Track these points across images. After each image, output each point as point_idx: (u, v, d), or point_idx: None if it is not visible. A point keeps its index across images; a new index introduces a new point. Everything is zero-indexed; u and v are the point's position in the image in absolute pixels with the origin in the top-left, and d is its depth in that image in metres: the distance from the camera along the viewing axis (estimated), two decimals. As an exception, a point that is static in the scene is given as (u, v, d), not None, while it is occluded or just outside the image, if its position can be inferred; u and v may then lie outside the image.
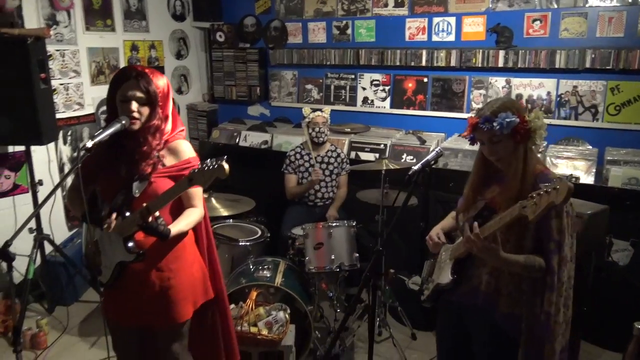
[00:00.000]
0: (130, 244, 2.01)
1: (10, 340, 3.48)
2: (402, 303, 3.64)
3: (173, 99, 2.21)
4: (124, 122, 1.97)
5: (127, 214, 2.00)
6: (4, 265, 3.90)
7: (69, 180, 2.21)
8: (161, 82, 2.07)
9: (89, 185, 2.20)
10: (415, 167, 2.07)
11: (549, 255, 1.85)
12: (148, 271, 2.12)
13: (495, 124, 1.88)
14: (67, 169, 4.27)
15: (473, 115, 1.99)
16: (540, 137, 1.94)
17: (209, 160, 1.83)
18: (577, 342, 3.16)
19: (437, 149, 2.13)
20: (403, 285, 3.83)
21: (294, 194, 4.12)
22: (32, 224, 3.73)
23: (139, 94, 2.00)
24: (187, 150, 2.16)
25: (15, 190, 3.95)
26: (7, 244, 2.01)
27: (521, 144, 1.91)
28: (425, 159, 2.10)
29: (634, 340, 1.51)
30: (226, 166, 1.77)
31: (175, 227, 2.04)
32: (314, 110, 4.03)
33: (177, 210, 2.13)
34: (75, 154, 4.33)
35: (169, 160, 2.11)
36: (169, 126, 2.14)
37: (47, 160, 4.06)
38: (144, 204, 1.91)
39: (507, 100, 1.97)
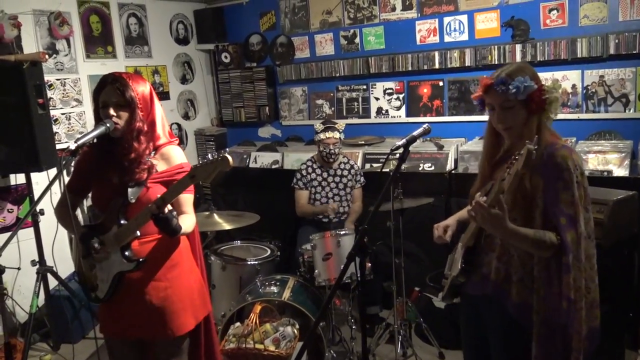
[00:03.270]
0: (128, 252, 2.09)
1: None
2: (429, 322, 3.57)
3: (168, 122, 2.31)
4: (108, 125, 2.06)
5: (123, 221, 2.08)
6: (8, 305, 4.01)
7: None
8: (141, 87, 2.17)
9: (81, 196, 2.34)
10: (400, 142, 2.08)
11: (562, 232, 1.78)
12: (145, 281, 2.17)
13: (510, 86, 1.85)
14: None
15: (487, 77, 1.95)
16: (555, 110, 1.91)
17: (210, 154, 1.90)
18: (621, 350, 3.03)
19: (424, 125, 2.14)
20: (430, 303, 3.77)
21: (304, 212, 4.12)
22: (35, 256, 3.85)
23: (115, 98, 2.10)
24: (178, 156, 2.25)
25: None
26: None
27: (534, 115, 1.89)
28: (411, 135, 2.10)
29: None
30: (229, 157, 1.83)
31: (184, 225, 2.10)
32: (327, 127, 4.00)
33: None
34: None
35: (160, 167, 2.20)
36: (158, 131, 2.22)
37: (50, 192, 4.18)
38: (159, 195, 1.99)
39: (524, 64, 1.95)
